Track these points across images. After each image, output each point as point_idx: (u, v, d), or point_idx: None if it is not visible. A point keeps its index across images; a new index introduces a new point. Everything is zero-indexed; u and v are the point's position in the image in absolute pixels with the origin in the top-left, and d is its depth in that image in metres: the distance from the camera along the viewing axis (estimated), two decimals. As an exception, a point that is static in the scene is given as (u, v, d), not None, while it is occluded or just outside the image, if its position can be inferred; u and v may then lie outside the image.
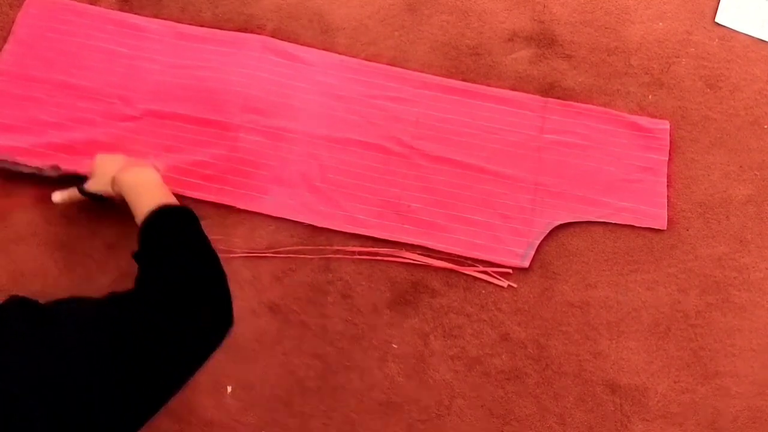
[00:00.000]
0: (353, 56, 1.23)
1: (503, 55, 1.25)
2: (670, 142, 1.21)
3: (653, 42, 1.28)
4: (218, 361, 1.03)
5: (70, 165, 1.11)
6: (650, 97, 1.23)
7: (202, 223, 1.10)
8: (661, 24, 1.30)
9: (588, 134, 1.19)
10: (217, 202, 1.12)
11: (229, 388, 1.01)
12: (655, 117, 1.17)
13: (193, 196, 1.12)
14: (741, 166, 1.21)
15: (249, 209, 1.12)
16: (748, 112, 1.25)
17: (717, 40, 1.29)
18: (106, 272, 1.07)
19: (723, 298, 1.12)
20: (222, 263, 1.05)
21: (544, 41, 1.27)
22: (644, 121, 1.20)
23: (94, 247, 1.08)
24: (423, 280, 1.10)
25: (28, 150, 1.12)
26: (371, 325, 1.06)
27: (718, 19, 1.31)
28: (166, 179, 1.11)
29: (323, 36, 1.24)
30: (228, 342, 1.03)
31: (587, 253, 1.13)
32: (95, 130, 1.14)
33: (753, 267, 1.14)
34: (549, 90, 1.23)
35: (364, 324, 1.06)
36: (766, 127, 1.24)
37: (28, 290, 1.05)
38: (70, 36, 1.20)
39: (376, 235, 1.11)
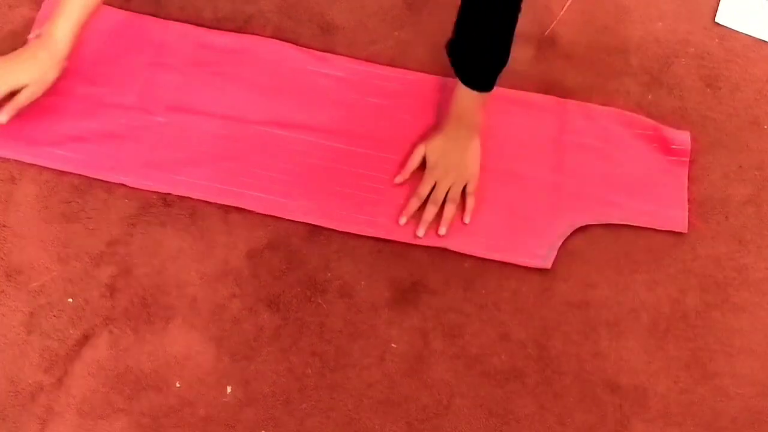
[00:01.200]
0: (353, 56, 1.23)
1: (503, 55, 1.25)
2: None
3: (652, 42, 1.28)
4: (217, 358, 1.03)
5: (88, 162, 1.11)
6: (650, 96, 1.23)
7: (203, 222, 1.11)
8: (660, 24, 1.30)
9: (608, 136, 1.19)
10: (219, 202, 1.11)
11: (229, 389, 1.01)
12: (654, 116, 1.17)
13: (194, 197, 1.11)
14: (740, 166, 1.21)
15: (250, 209, 1.11)
16: (748, 112, 1.25)
17: (717, 39, 1.29)
18: (106, 268, 1.07)
19: (722, 298, 1.12)
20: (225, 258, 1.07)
21: (544, 41, 1.27)
22: (666, 131, 1.19)
23: (93, 244, 1.08)
24: (423, 279, 1.10)
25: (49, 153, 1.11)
26: (370, 324, 1.06)
27: (718, 19, 1.31)
28: (177, 182, 1.11)
29: (323, 36, 1.24)
30: (226, 339, 1.04)
31: (587, 253, 1.13)
32: (117, 129, 1.14)
33: (752, 267, 1.14)
34: (549, 90, 1.23)
35: (363, 323, 1.06)
36: (765, 127, 1.24)
37: (24, 288, 1.05)
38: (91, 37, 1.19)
39: (387, 237, 1.11)
